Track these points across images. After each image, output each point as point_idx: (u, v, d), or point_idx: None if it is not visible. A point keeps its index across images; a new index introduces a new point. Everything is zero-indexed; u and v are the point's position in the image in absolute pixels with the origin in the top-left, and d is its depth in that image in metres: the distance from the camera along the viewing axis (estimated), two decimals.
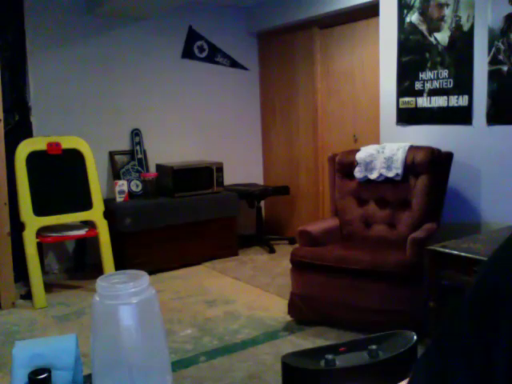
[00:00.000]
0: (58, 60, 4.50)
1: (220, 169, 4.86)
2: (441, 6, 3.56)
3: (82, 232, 4.09)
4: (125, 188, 4.55)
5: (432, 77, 3.65)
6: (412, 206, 3.38)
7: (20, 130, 4.24)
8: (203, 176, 4.81)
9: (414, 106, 3.80)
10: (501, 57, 3.23)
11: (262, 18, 5.29)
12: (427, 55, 3.67)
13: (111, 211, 4.21)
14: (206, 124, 5.32)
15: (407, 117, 3.86)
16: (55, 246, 4.52)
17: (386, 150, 3.52)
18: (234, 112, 5.48)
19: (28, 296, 3.84)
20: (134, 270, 0.92)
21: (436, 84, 3.63)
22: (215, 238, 4.80)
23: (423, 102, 3.73)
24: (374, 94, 4.21)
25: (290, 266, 3.31)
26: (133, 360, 0.87)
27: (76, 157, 4.06)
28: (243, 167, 5.55)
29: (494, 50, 3.26)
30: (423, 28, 3.67)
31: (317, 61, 4.91)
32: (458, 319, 0.41)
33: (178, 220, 4.57)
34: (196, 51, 5.21)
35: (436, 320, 2.73)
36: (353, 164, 3.61)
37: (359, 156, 3.59)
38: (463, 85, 3.47)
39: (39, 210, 3.83)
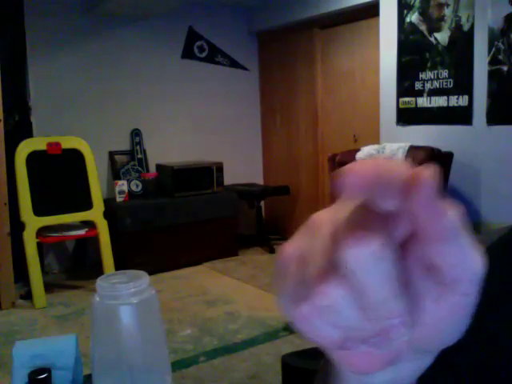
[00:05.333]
0: (58, 60, 4.50)
1: (220, 169, 4.85)
2: (441, 6, 3.56)
3: (81, 232, 4.09)
4: (125, 188, 4.55)
5: (432, 77, 3.65)
6: None
7: (20, 130, 4.24)
8: (203, 176, 4.81)
9: (414, 106, 3.80)
10: (501, 57, 3.23)
11: (262, 18, 5.29)
12: (427, 55, 3.67)
13: (111, 211, 4.21)
14: (206, 124, 5.31)
15: (407, 117, 3.86)
16: (55, 245, 4.52)
17: (386, 150, 3.52)
18: (233, 112, 5.48)
19: (28, 296, 3.84)
20: (134, 270, 0.92)
21: (436, 84, 3.63)
22: (215, 238, 4.79)
23: (423, 102, 3.73)
24: (374, 93, 4.21)
25: None
26: (133, 360, 0.87)
27: (76, 157, 4.06)
28: (243, 167, 5.54)
29: (494, 49, 3.26)
30: (423, 28, 3.68)
31: (317, 61, 4.91)
32: None
33: (178, 220, 4.57)
34: (196, 51, 5.20)
35: None
36: None
37: (359, 156, 3.59)
38: (463, 85, 3.47)
39: (39, 210, 3.83)
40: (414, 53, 3.75)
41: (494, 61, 3.27)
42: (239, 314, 3.51)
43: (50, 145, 3.97)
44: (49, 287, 4.02)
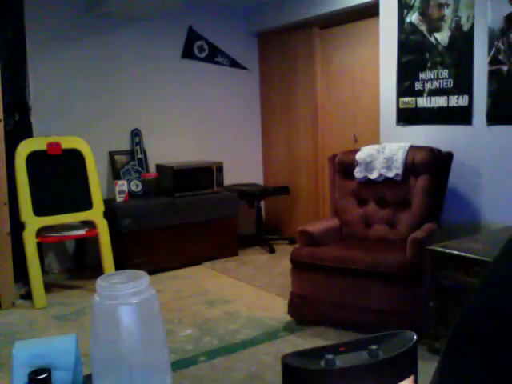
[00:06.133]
0: (58, 60, 4.50)
1: (220, 169, 4.85)
2: (441, 6, 3.56)
3: (81, 232, 4.09)
4: (125, 188, 4.55)
5: (432, 77, 3.65)
6: (412, 206, 3.38)
7: (20, 130, 4.24)
8: (203, 176, 4.81)
9: (414, 106, 3.80)
10: (501, 57, 3.23)
11: (262, 18, 5.29)
12: (427, 55, 3.67)
13: (111, 211, 4.21)
14: (206, 124, 5.32)
15: (407, 117, 3.86)
16: (55, 245, 4.52)
17: (386, 150, 3.52)
18: (233, 112, 5.48)
19: (28, 296, 3.84)
20: (134, 270, 0.92)
21: (436, 84, 3.63)
22: (215, 238, 4.80)
23: (423, 101, 3.73)
24: (374, 93, 4.21)
25: (290, 266, 3.31)
26: (133, 360, 0.87)
27: (76, 157, 4.06)
28: (243, 167, 5.55)
29: (494, 49, 3.26)
30: (423, 28, 3.67)
31: (317, 61, 4.91)
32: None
33: (178, 220, 4.57)
34: (196, 51, 5.21)
35: (436, 320, 2.73)
36: (353, 164, 3.61)
37: (359, 156, 3.59)
38: (463, 85, 3.47)
39: (39, 210, 3.83)
40: (414, 53, 3.75)
41: (493, 61, 3.27)
42: (239, 314, 3.51)
43: (50, 145, 3.97)
44: (49, 287, 4.02)
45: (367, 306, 3.02)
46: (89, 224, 4.14)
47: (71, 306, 3.74)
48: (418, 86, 3.74)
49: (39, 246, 3.94)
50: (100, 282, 0.87)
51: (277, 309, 3.53)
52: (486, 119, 3.36)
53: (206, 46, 5.25)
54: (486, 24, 3.29)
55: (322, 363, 0.65)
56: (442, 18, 3.56)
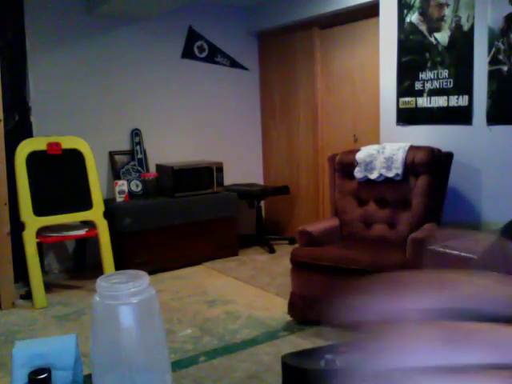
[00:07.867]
0: (58, 60, 4.50)
1: (220, 169, 4.85)
2: (441, 6, 3.56)
3: (81, 232, 4.09)
4: (125, 188, 4.55)
5: (432, 77, 3.65)
6: (412, 206, 3.38)
7: (20, 129, 4.24)
8: (203, 176, 4.81)
9: (414, 106, 3.80)
10: (501, 57, 3.23)
11: (262, 17, 5.29)
12: (427, 55, 3.67)
13: (111, 211, 4.21)
14: (206, 124, 5.32)
15: (407, 117, 3.86)
16: (55, 245, 4.52)
17: (386, 150, 3.52)
18: (233, 112, 5.48)
19: (28, 296, 3.84)
20: (134, 270, 0.92)
21: (436, 84, 3.63)
22: (215, 238, 4.79)
23: (423, 101, 3.73)
24: (374, 94, 4.21)
25: (290, 266, 3.31)
26: (133, 360, 0.87)
27: (76, 157, 4.06)
28: (243, 167, 5.55)
29: (494, 49, 3.26)
30: (423, 28, 3.68)
31: (317, 61, 4.91)
32: None
33: (178, 220, 4.57)
34: (196, 51, 5.20)
35: None
36: (353, 164, 3.61)
37: (359, 156, 3.59)
38: (463, 85, 3.47)
39: (39, 210, 3.83)
40: (413, 53, 3.75)
41: (494, 61, 3.27)
42: (239, 314, 3.51)
43: (50, 145, 3.97)
44: (49, 287, 4.02)
45: None
46: (89, 224, 4.14)
47: (71, 306, 3.74)
48: (417, 85, 3.74)
49: (39, 245, 3.94)
50: (100, 282, 0.87)
51: (277, 309, 3.53)
52: (486, 119, 3.36)
53: (205, 46, 5.25)
54: (486, 24, 3.29)
55: (322, 363, 0.65)
56: (442, 18, 3.56)
